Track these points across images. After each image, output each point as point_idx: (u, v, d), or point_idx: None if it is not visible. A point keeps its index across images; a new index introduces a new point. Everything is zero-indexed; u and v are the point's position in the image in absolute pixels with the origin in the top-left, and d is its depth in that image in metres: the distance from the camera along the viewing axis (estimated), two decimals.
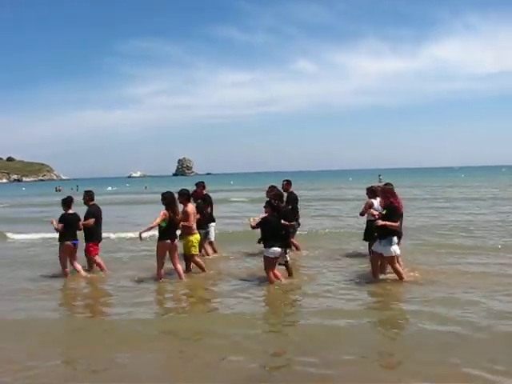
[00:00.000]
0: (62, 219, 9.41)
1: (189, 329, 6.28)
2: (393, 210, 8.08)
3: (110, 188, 69.72)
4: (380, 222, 7.93)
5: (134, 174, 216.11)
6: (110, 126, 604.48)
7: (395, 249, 8.09)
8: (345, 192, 38.97)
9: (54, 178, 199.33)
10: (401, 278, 8.14)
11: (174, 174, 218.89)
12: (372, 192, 9.73)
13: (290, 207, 10.16)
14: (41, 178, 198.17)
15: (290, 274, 8.73)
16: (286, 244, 8.67)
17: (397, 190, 8.62)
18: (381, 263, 8.40)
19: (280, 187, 10.77)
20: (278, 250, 8.22)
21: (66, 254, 9.47)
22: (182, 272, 8.95)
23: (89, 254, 9.82)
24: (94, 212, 9.84)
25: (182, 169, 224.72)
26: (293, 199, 11.28)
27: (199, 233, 9.82)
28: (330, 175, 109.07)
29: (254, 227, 8.51)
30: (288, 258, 8.71)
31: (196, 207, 9.95)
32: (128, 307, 7.27)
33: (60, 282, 9.17)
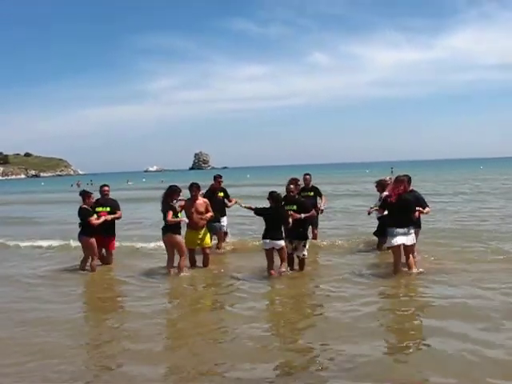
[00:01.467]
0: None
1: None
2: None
3: (130, 183, 69.23)
4: (427, 210, 8.59)
5: (150, 169, 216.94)
6: (127, 120, 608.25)
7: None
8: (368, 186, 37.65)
9: (72, 173, 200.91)
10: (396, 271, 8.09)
11: (191, 168, 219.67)
12: (381, 185, 9.79)
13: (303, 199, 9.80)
14: (58, 173, 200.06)
15: (301, 269, 8.69)
16: (303, 236, 8.58)
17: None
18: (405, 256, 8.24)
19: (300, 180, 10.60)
20: (266, 241, 8.30)
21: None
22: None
23: (111, 248, 9.84)
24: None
25: (199, 163, 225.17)
26: (316, 192, 11.53)
27: (213, 226, 10.38)
28: (347, 168, 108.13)
29: (251, 209, 8.73)
30: (305, 253, 8.59)
31: (211, 199, 9.97)
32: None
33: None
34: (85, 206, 9.31)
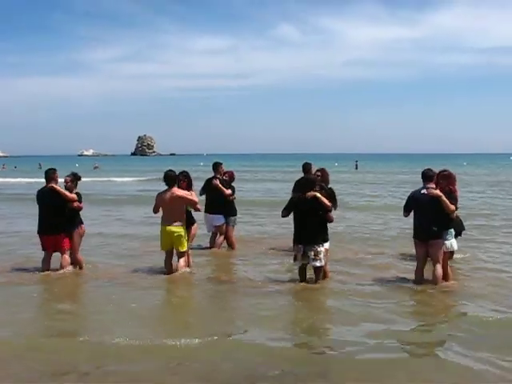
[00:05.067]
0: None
1: None
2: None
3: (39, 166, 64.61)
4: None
5: (85, 153, 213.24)
6: (59, 96, 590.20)
7: (452, 243, 8.34)
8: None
9: None
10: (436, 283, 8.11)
11: (133, 154, 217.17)
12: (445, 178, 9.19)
13: None
14: None
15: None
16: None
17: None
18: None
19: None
20: None
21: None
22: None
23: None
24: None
25: (142, 147, 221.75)
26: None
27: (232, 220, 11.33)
28: (313, 159, 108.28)
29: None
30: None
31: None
32: None
33: None
34: None
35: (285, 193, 19.26)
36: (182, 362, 5.46)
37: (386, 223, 15.20)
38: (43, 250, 9.27)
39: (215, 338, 5.99)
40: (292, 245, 8.41)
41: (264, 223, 15.36)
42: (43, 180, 9.25)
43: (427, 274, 8.31)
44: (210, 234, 11.36)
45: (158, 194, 9.10)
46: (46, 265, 9.21)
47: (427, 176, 8.20)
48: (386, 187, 30.86)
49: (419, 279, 8.26)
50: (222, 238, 11.22)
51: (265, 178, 42.07)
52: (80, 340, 5.98)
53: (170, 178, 8.96)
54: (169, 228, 8.86)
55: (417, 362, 5.56)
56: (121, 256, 10.70)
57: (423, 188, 8.14)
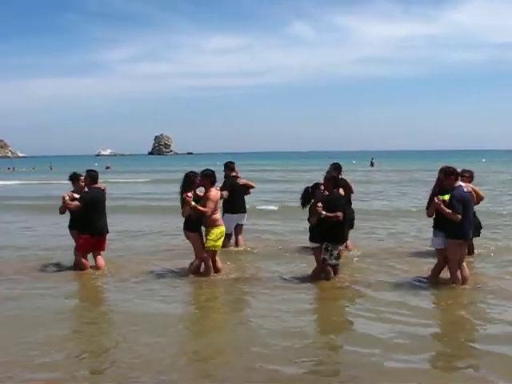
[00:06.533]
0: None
1: None
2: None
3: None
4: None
5: (103, 152, 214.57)
6: (76, 96, 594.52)
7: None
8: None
9: (9, 155, 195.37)
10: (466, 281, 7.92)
11: (150, 153, 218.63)
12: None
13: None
14: None
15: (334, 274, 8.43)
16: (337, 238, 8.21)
17: None
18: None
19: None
20: None
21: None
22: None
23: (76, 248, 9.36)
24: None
25: (159, 147, 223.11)
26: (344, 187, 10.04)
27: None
28: (328, 157, 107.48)
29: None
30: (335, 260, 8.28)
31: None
32: None
33: None
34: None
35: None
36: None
37: (400, 226, 14.37)
38: (87, 252, 9.20)
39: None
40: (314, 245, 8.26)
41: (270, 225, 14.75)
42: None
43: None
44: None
45: (211, 194, 8.50)
46: (85, 264, 9.13)
47: (456, 173, 7.99)
48: (403, 187, 29.15)
49: (460, 279, 7.92)
50: (241, 236, 11.12)
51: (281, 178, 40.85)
52: None
53: (215, 177, 8.69)
54: (224, 227, 8.81)
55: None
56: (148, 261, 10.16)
57: (462, 187, 7.85)
